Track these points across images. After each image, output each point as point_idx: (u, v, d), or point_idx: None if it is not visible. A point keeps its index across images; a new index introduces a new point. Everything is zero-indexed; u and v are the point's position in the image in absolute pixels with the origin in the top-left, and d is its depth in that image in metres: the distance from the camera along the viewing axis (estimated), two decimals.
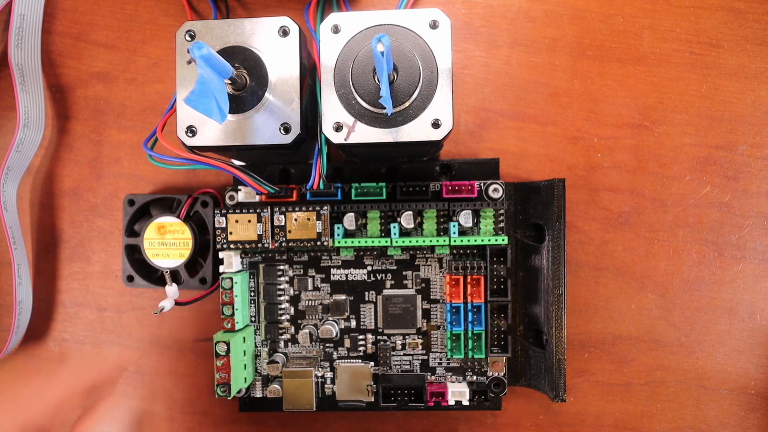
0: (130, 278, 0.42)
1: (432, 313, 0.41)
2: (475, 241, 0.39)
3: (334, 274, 0.41)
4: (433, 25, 0.32)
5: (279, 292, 0.41)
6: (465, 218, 0.38)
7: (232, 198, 0.40)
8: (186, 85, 0.33)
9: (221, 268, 0.39)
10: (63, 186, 0.45)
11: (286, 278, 0.41)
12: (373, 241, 0.39)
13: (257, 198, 0.40)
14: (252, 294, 0.41)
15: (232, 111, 0.32)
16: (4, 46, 0.44)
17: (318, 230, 0.38)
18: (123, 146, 0.44)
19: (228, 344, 0.37)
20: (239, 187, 0.40)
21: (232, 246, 0.39)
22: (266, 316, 0.41)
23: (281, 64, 0.32)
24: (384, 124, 0.31)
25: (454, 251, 0.41)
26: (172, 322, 0.44)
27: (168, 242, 0.41)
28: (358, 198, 0.40)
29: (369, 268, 0.41)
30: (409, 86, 0.31)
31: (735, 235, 0.42)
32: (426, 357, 0.41)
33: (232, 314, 0.38)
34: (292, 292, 0.41)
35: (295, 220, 0.38)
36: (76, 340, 0.45)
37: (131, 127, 0.44)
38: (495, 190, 0.39)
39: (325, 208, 0.38)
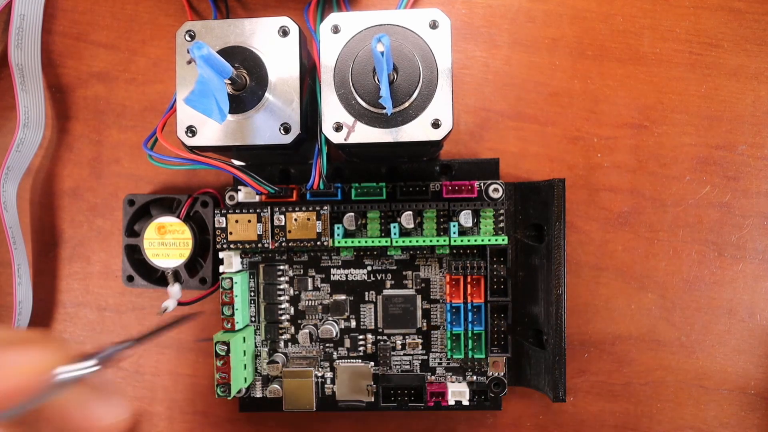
0: (130, 278, 0.42)
1: (432, 313, 0.41)
2: (475, 241, 0.39)
3: (334, 274, 0.41)
4: (433, 25, 0.32)
5: (279, 292, 0.41)
6: (465, 218, 0.38)
7: (232, 198, 0.40)
8: (186, 85, 0.33)
9: (221, 268, 0.39)
10: (63, 186, 0.45)
11: (286, 278, 0.41)
12: (373, 241, 0.39)
13: (257, 198, 0.40)
14: (252, 294, 0.41)
15: (232, 111, 0.32)
16: (4, 46, 0.44)
17: (318, 230, 0.38)
18: (123, 146, 0.44)
19: (228, 344, 0.37)
20: (239, 187, 0.40)
21: (232, 246, 0.39)
22: (266, 316, 0.41)
23: (281, 64, 0.32)
24: (384, 124, 0.31)
25: (454, 251, 0.41)
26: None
27: (168, 242, 0.41)
28: (358, 198, 0.40)
29: (369, 268, 0.41)
30: (409, 86, 0.31)
31: (735, 235, 0.42)
32: (426, 357, 0.41)
33: (232, 314, 0.38)
34: (292, 292, 0.41)
35: (295, 220, 0.38)
36: (76, 340, 0.45)
37: (131, 127, 0.44)
38: (495, 190, 0.39)
39: (325, 208, 0.38)
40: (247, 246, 0.39)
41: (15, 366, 0.19)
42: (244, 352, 0.39)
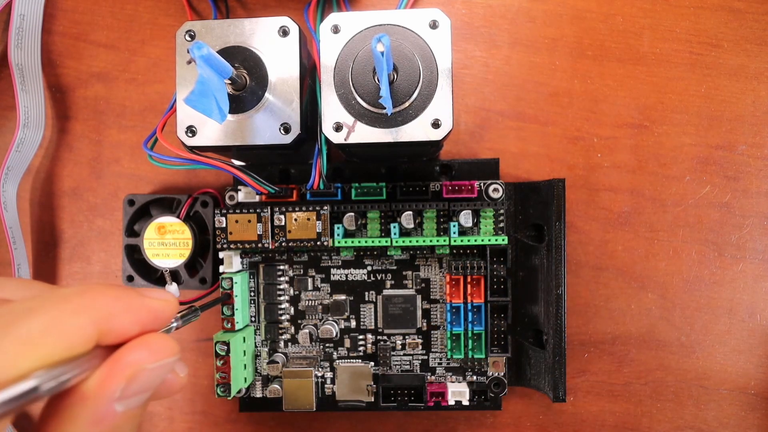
0: (130, 278, 0.42)
1: (432, 313, 0.41)
2: (475, 241, 0.39)
3: (334, 274, 0.41)
4: (433, 25, 0.32)
5: (279, 292, 0.41)
6: (465, 218, 0.38)
7: (232, 198, 0.40)
8: (186, 85, 0.33)
9: (221, 268, 0.39)
10: (63, 186, 0.45)
11: (286, 278, 0.41)
12: (373, 241, 0.39)
13: (257, 198, 0.40)
14: (252, 294, 0.41)
15: (232, 111, 0.32)
16: (4, 46, 0.44)
17: (318, 230, 0.38)
18: (123, 146, 0.44)
19: (228, 344, 0.37)
20: (239, 187, 0.40)
21: (232, 246, 0.39)
22: (266, 316, 0.41)
23: (281, 64, 0.32)
24: (384, 124, 0.31)
25: (454, 251, 0.41)
26: None
27: (168, 242, 0.41)
28: (358, 198, 0.40)
29: (369, 268, 0.41)
30: (409, 86, 0.31)
31: (735, 235, 0.42)
32: (426, 357, 0.41)
33: (232, 314, 0.38)
34: (292, 292, 0.41)
35: (295, 220, 0.38)
36: None
37: (131, 127, 0.44)
38: (495, 190, 0.39)
39: (325, 208, 0.38)
40: (247, 246, 0.39)
41: (159, 295, 0.24)
42: (244, 352, 0.39)
